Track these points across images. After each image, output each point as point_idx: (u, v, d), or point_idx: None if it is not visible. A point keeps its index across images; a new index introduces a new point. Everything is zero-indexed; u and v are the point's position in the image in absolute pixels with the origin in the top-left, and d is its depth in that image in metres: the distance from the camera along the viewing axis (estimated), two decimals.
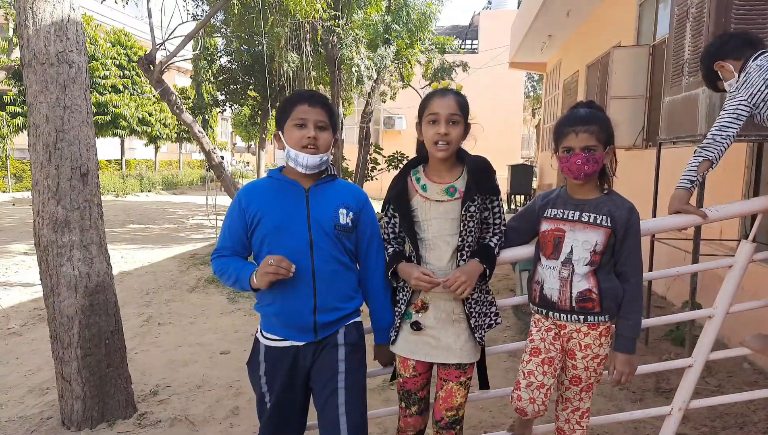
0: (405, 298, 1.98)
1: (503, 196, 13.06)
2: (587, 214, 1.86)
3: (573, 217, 1.88)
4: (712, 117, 3.22)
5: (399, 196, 1.97)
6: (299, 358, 1.91)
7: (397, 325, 2.00)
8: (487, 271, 1.90)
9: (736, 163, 4.35)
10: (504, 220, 2.02)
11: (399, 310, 2.00)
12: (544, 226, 1.95)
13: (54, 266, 2.94)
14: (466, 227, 1.89)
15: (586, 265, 1.85)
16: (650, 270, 4.10)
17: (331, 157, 2.00)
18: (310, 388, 1.96)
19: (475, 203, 1.89)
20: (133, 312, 5.40)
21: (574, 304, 1.87)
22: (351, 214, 1.92)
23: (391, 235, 2.04)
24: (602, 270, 1.86)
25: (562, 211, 1.92)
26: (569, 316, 1.88)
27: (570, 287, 1.87)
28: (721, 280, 2.20)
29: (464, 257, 1.91)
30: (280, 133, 1.93)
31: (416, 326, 1.94)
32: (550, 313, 1.93)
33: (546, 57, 13.64)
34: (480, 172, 1.92)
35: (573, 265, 1.86)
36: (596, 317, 1.86)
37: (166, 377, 3.79)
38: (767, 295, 3.12)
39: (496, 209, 1.97)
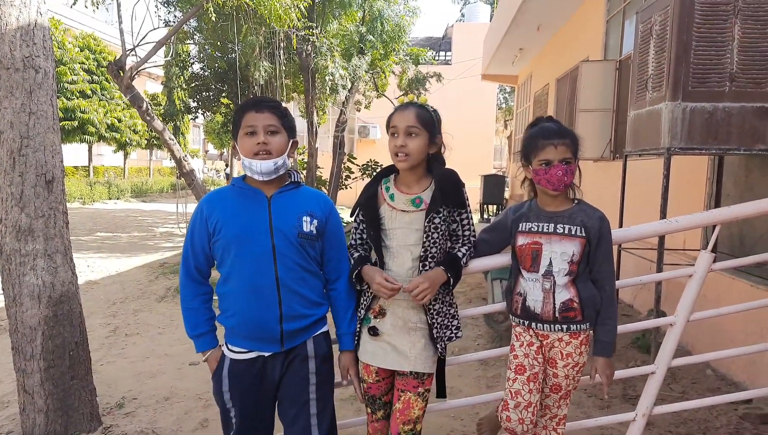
0: (365, 303, 2.00)
1: (476, 205, 13.14)
2: (562, 226, 1.91)
3: (548, 229, 1.93)
4: (674, 130, 3.33)
5: (368, 203, 2.00)
6: (267, 369, 1.89)
7: (358, 329, 2.02)
8: (452, 280, 1.92)
9: (697, 175, 4.50)
10: (474, 231, 2.04)
11: (359, 314, 2.02)
12: (521, 241, 1.98)
13: (17, 275, 2.85)
14: (429, 238, 1.91)
15: (565, 275, 1.90)
16: (617, 279, 4.20)
17: (291, 161, 1.99)
18: (276, 399, 1.94)
19: (440, 215, 1.90)
20: (100, 322, 5.27)
21: (557, 314, 1.91)
22: (316, 221, 1.91)
23: (358, 241, 2.07)
24: (580, 278, 1.92)
25: (536, 224, 1.96)
26: (552, 326, 1.92)
27: (553, 298, 1.91)
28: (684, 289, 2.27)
29: (428, 268, 1.92)
30: (235, 143, 1.92)
31: (373, 331, 1.96)
32: (533, 324, 1.96)
33: (517, 70, 13.91)
34: (447, 184, 1.94)
35: (554, 277, 1.91)
36: (578, 326, 1.92)
37: (132, 389, 3.70)
38: (729, 302, 3.23)
39: (465, 222, 2.00)
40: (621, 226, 4.34)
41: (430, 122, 1.94)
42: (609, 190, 5.66)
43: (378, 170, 2.20)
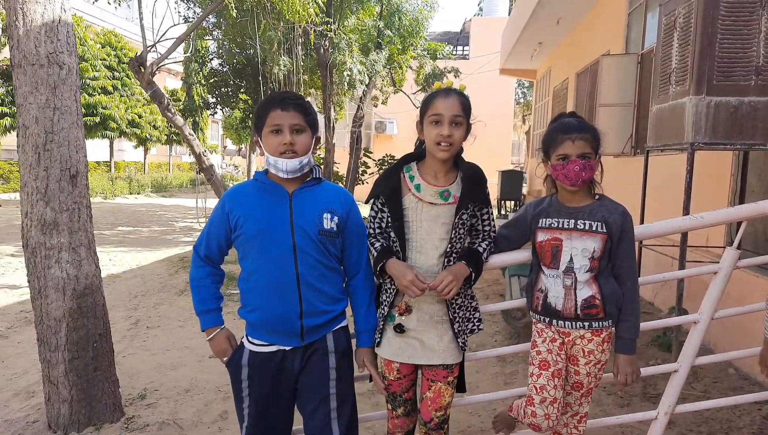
0: (388, 299, 1.96)
1: (493, 201, 13.12)
2: (582, 222, 1.89)
3: (568, 225, 1.90)
4: (698, 125, 3.27)
5: (392, 194, 1.93)
6: (286, 363, 1.90)
7: (381, 326, 1.99)
8: (473, 274, 1.90)
9: (722, 171, 4.42)
10: (494, 227, 2.02)
11: (382, 311, 1.99)
12: (541, 237, 1.96)
13: (42, 268, 2.91)
14: (456, 234, 1.89)
15: (586, 271, 1.88)
16: (638, 276, 4.15)
17: (314, 158, 1.98)
18: (295, 393, 1.95)
19: (468, 211, 1.90)
20: (122, 315, 5.36)
21: (579, 311, 1.89)
22: (336, 218, 1.89)
23: (377, 230, 1.99)
24: (602, 275, 1.89)
25: (556, 220, 1.93)
26: (574, 323, 1.90)
27: (574, 295, 1.89)
28: (707, 286, 2.24)
29: (451, 262, 1.91)
30: (258, 139, 1.91)
31: (399, 329, 1.94)
32: (554, 321, 1.94)
33: (536, 64, 13.75)
34: (474, 181, 1.92)
35: (575, 274, 1.88)
36: (600, 323, 1.89)
37: (154, 381, 3.76)
38: (753, 301, 3.17)
39: (486, 217, 1.98)
40: (642, 222, 4.28)
41: (470, 111, 1.91)
42: (630, 186, 5.59)
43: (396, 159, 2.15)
